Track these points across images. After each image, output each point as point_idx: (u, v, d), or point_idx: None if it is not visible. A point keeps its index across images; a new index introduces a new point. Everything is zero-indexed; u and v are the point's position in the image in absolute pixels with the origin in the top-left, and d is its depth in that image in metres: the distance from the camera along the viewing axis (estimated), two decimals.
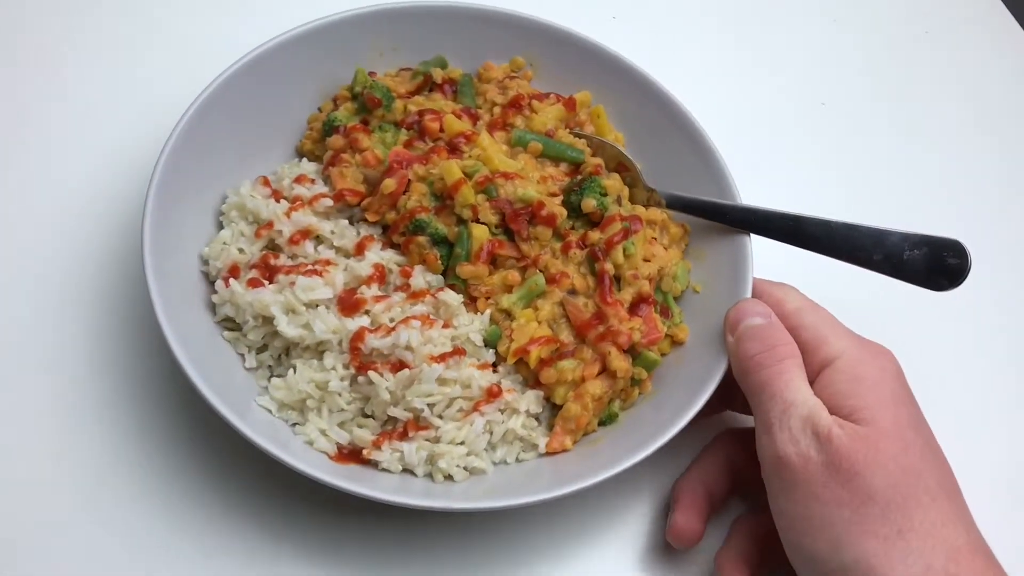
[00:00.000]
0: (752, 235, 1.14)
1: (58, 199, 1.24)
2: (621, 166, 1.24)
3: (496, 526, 1.08)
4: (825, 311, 1.04)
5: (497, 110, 1.23)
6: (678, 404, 1.05)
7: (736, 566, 1.02)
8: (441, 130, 1.19)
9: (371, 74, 1.26)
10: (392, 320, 1.06)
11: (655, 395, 1.12)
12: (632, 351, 1.10)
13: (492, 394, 1.05)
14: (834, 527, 0.88)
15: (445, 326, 1.08)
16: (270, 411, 1.04)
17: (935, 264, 1.05)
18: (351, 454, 1.02)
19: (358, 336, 1.03)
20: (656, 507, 1.13)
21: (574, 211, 1.15)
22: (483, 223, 1.12)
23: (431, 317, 1.07)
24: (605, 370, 1.08)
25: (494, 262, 1.13)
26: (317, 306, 1.06)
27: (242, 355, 1.08)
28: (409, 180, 1.14)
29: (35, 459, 1.06)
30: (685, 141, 1.22)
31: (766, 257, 1.15)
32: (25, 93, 1.32)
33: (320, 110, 1.26)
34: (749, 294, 1.09)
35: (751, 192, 1.18)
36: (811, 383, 0.98)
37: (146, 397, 1.11)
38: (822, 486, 0.90)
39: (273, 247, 1.12)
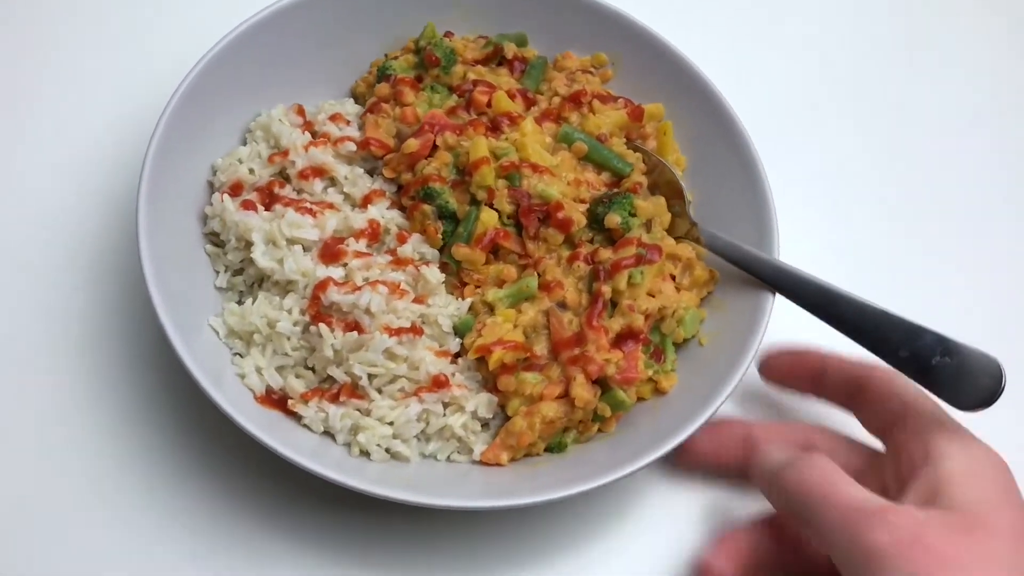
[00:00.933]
0: (779, 296, 1.03)
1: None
2: (672, 191, 1.15)
3: (401, 518, 1.02)
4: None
5: (556, 100, 1.16)
6: (634, 451, 0.97)
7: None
8: (488, 105, 1.13)
9: (447, 34, 1.21)
10: (366, 279, 1.01)
11: (615, 436, 1.04)
12: (603, 385, 1.02)
13: (438, 383, 0.99)
14: None
15: (417, 301, 1.02)
16: (218, 333, 1.01)
17: (965, 379, 0.91)
18: (278, 401, 0.99)
19: (322, 285, 0.99)
20: (579, 543, 1.05)
21: (598, 223, 1.07)
22: (496, 209, 1.06)
23: (404, 288, 1.02)
24: (567, 395, 1.00)
25: (495, 252, 1.07)
26: (299, 244, 1.03)
27: (218, 272, 1.06)
28: (436, 146, 1.09)
29: None
30: (745, 185, 1.12)
31: (789, 319, 1.04)
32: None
33: (386, 56, 1.22)
34: (748, 362, 0.99)
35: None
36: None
37: (112, 295, 1.12)
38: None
39: (284, 176, 1.10)
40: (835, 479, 0.87)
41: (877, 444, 1.00)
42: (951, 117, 1.44)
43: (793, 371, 1.06)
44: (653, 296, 1.04)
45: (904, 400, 0.96)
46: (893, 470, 0.94)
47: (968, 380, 0.91)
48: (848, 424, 1.04)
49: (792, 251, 1.08)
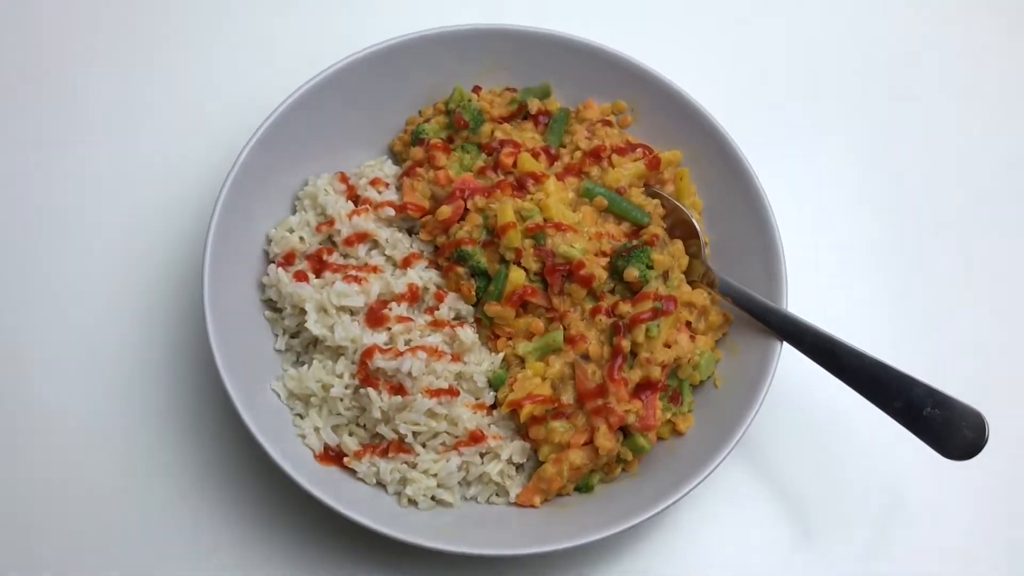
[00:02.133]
0: (781, 351, 1.12)
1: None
2: (688, 232, 1.23)
3: (442, 564, 1.14)
4: None
5: (578, 155, 1.24)
6: (657, 492, 1.07)
7: None
8: (514, 165, 1.21)
9: (475, 89, 1.30)
10: (408, 342, 1.12)
11: (638, 476, 1.14)
12: (625, 431, 1.12)
13: (475, 438, 1.10)
14: None
15: (454, 359, 1.13)
16: (279, 396, 1.14)
17: (952, 430, 1.00)
18: (335, 458, 1.11)
19: (369, 352, 1.10)
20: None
21: (618, 275, 1.16)
22: (524, 267, 1.16)
23: (442, 349, 1.13)
24: (592, 442, 1.11)
25: (524, 306, 1.17)
26: (347, 311, 1.14)
27: (276, 335, 1.18)
28: (467, 210, 1.18)
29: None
30: (757, 233, 1.19)
31: (800, 361, 1.13)
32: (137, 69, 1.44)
33: (420, 113, 1.31)
34: (756, 407, 1.08)
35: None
36: None
37: (179, 367, 1.24)
38: None
39: (331, 242, 1.20)
40: None
41: None
42: (959, 180, 1.47)
43: None
44: (669, 347, 1.14)
45: None
46: None
47: (955, 431, 0.99)
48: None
49: (798, 288, 1.16)
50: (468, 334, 1.15)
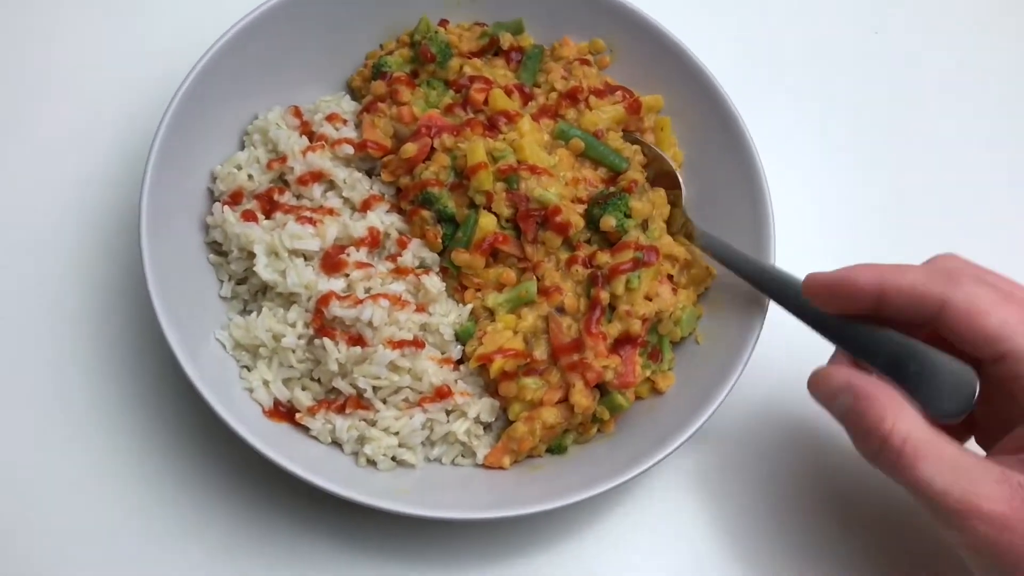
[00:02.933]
0: (768, 305, 1.05)
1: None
2: (670, 182, 1.15)
3: (407, 525, 1.05)
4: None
5: (553, 96, 1.16)
6: (634, 453, 1.00)
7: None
8: (485, 103, 1.12)
9: (442, 22, 1.21)
10: (368, 290, 1.03)
11: (614, 437, 1.07)
12: (601, 388, 1.04)
13: (441, 394, 1.01)
14: None
15: (419, 310, 1.04)
16: (224, 346, 1.04)
17: (942, 387, 0.91)
18: (286, 413, 1.02)
19: (325, 299, 1.00)
20: (583, 543, 1.08)
21: (594, 224, 1.08)
22: (495, 213, 1.07)
23: (405, 299, 1.03)
24: (567, 400, 1.03)
25: (495, 255, 1.08)
26: (301, 255, 1.04)
27: (221, 281, 1.08)
28: (433, 149, 1.09)
29: None
30: (743, 185, 1.12)
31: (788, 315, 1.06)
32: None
33: (381, 47, 1.21)
34: (739, 370, 1.01)
35: None
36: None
37: (116, 311, 1.13)
38: None
39: (283, 181, 1.10)
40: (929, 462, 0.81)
41: None
42: (954, 117, 1.43)
43: (838, 292, 0.92)
44: (650, 299, 1.06)
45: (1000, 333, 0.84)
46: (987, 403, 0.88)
47: (944, 388, 0.92)
48: None
49: (786, 241, 1.09)
50: (434, 282, 1.06)
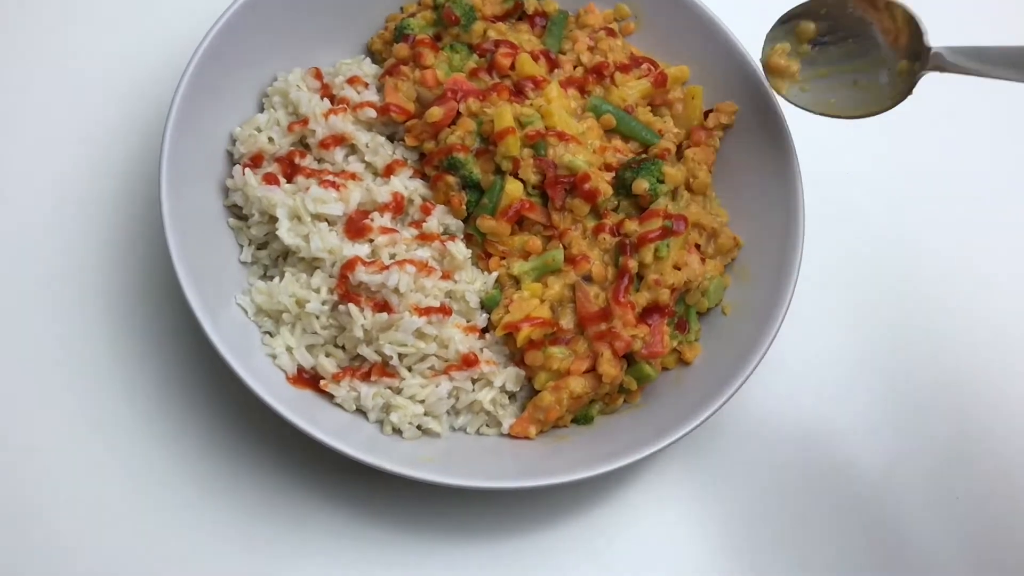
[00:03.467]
0: (798, 277, 1.03)
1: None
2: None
3: (430, 494, 1.04)
4: None
5: (579, 70, 1.13)
6: (660, 426, 0.99)
7: None
8: (512, 68, 1.10)
9: None
10: (392, 256, 1.01)
11: (640, 408, 1.06)
12: (629, 359, 1.03)
13: (467, 362, 1.00)
14: None
15: (444, 277, 1.02)
16: (246, 312, 1.02)
17: None
18: (310, 380, 1.00)
19: (350, 264, 0.98)
20: (606, 513, 1.07)
21: (624, 190, 1.06)
22: (521, 179, 1.05)
23: (431, 265, 1.01)
24: (593, 369, 1.01)
25: (520, 223, 1.06)
26: (324, 220, 1.02)
27: (241, 246, 1.06)
28: (459, 113, 1.07)
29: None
30: (773, 155, 1.10)
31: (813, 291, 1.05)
32: None
33: (402, 10, 1.18)
34: (768, 341, 1.00)
35: None
36: None
37: (138, 275, 1.11)
38: None
39: (304, 145, 1.08)
40: None
41: None
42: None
43: None
44: (679, 269, 1.04)
45: None
46: None
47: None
48: None
49: (816, 216, 1.08)
50: (460, 249, 1.04)
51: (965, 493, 1.13)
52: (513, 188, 1.04)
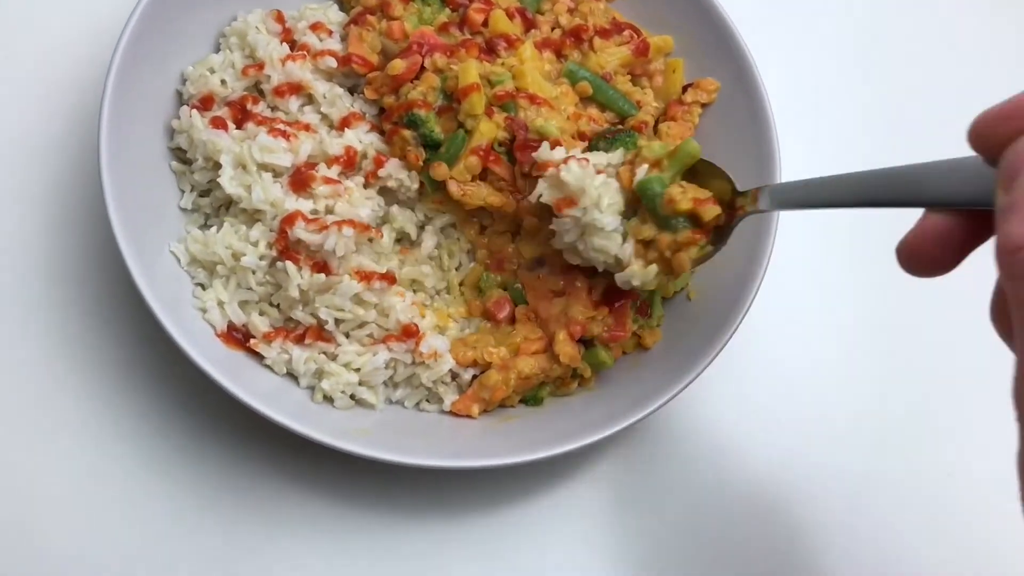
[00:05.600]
0: (767, 266, 0.97)
1: None
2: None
3: (362, 467, 0.98)
4: None
5: (556, 32, 1.07)
6: (612, 411, 0.93)
7: None
8: (485, 25, 1.03)
9: None
10: (329, 209, 0.95)
11: (593, 392, 1.00)
12: (586, 343, 0.97)
13: (408, 333, 0.94)
14: None
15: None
16: (179, 260, 0.96)
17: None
18: (240, 340, 0.94)
19: (290, 219, 0.92)
20: (553, 499, 1.02)
21: None
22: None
23: (372, 226, 0.95)
24: (545, 351, 0.95)
25: (483, 176, 0.99)
26: (270, 170, 0.96)
27: (183, 191, 1.00)
28: (423, 68, 1.00)
29: None
30: (752, 131, 1.04)
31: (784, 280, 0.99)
32: None
33: None
34: (730, 331, 0.93)
35: None
36: None
37: (68, 213, 1.05)
38: None
39: (259, 90, 1.02)
40: None
41: None
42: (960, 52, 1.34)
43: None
44: None
45: None
46: None
47: None
48: None
49: None
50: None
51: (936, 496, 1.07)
52: (487, 128, 0.97)
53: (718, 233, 0.86)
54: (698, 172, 0.88)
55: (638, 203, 0.88)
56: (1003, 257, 0.57)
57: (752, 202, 0.84)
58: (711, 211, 0.84)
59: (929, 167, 0.68)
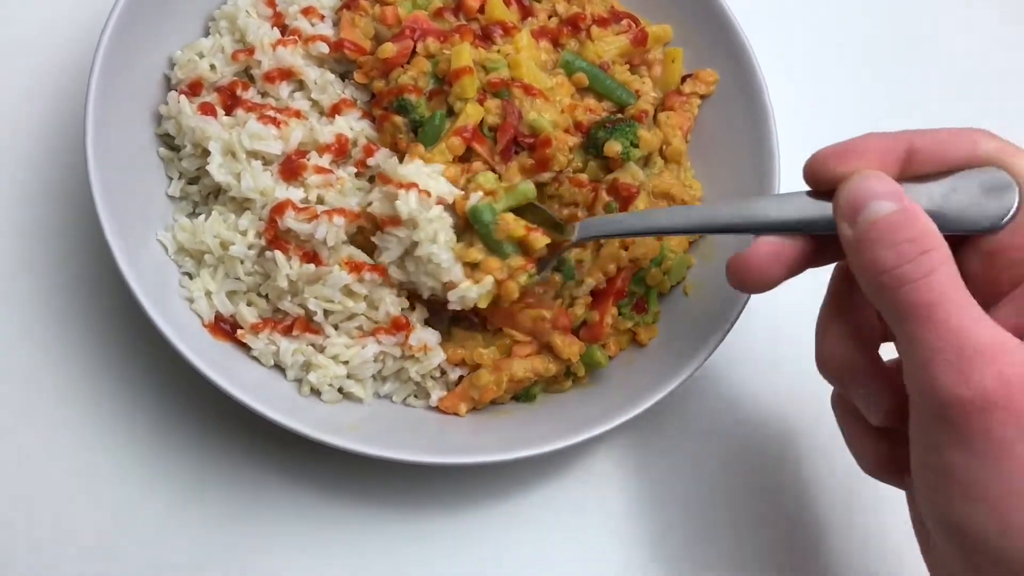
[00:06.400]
0: None
1: None
2: None
3: (351, 462, 0.96)
4: None
5: (554, 21, 1.05)
6: (606, 409, 0.92)
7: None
8: (481, 11, 1.01)
9: None
10: (320, 199, 0.93)
11: (587, 388, 0.99)
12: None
13: (397, 326, 0.92)
14: None
15: None
16: (166, 249, 0.94)
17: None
18: (228, 331, 0.92)
19: (279, 208, 0.91)
20: (545, 495, 1.00)
21: (595, 150, 0.98)
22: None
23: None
24: (540, 353, 0.95)
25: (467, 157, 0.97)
26: (260, 158, 0.94)
27: (171, 178, 0.98)
28: (415, 52, 0.98)
29: None
30: (750, 124, 1.02)
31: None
32: None
33: None
34: (727, 327, 0.92)
35: None
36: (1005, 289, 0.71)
37: (51, 203, 1.03)
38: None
39: (249, 76, 1.00)
40: (952, 297, 0.65)
41: None
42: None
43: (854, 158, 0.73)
44: (626, 248, 0.97)
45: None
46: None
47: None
48: None
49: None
50: None
51: None
52: (473, 110, 0.95)
53: (540, 264, 0.91)
54: (526, 213, 0.92)
55: (466, 227, 0.91)
56: (876, 277, 0.67)
57: (570, 234, 0.90)
58: (540, 240, 0.89)
59: (762, 200, 0.78)
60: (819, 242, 0.75)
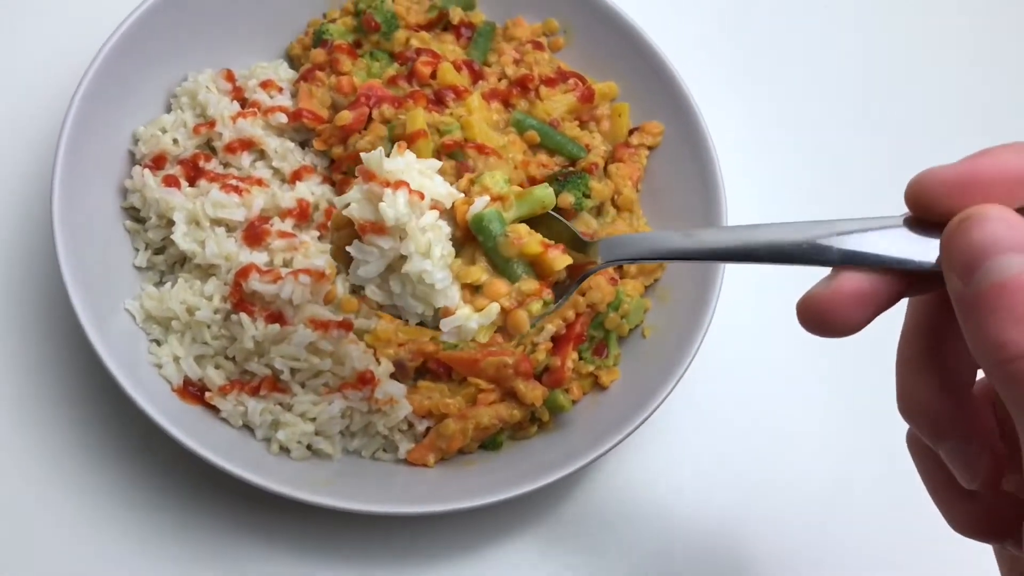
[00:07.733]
0: (718, 300, 0.98)
1: None
2: None
3: (315, 521, 0.98)
4: None
5: (504, 83, 1.09)
6: (570, 450, 0.94)
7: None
8: (433, 77, 1.06)
9: None
10: (287, 262, 0.96)
11: (552, 433, 1.01)
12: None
13: (363, 380, 0.94)
14: None
15: None
16: (134, 318, 0.96)
17: None
18: (197, 394, 0.94)
19: (244, 271, 0.93)
20: (516, 542, 1.01)
21: None
22: None
23: (328, 274, 0.96)
24: (504, 400, 0.97)
25: None
26: (224, 225, 0.97)
27: (137, 250, 1.00)
28: (371, 118, 1.02)
29: None
30: (696, 175, 1.06)
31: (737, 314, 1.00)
32: None
33: (324, 16, 1.14)
34: (684, 365, 0.95)
35: None
36: None
37: (22, 273, 1.05)
38: None
39: (211, 148, 1.03)
40: None
41: None
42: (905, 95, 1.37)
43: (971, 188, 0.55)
44: (582, 295, 1.00)
45: None
46: None
47: None
48: None
49: None
50: None
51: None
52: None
53: (558, 291, 0.73)
54: (540, 224, 0.74)
55: (467, 240, 0.73)
56: (1000, 364, 0.49)
57: (595, 255, 0.72)
58: (561, 259, 0.70)
59: (839, 223, 0.60)
60: (918, 273, 0.58)
